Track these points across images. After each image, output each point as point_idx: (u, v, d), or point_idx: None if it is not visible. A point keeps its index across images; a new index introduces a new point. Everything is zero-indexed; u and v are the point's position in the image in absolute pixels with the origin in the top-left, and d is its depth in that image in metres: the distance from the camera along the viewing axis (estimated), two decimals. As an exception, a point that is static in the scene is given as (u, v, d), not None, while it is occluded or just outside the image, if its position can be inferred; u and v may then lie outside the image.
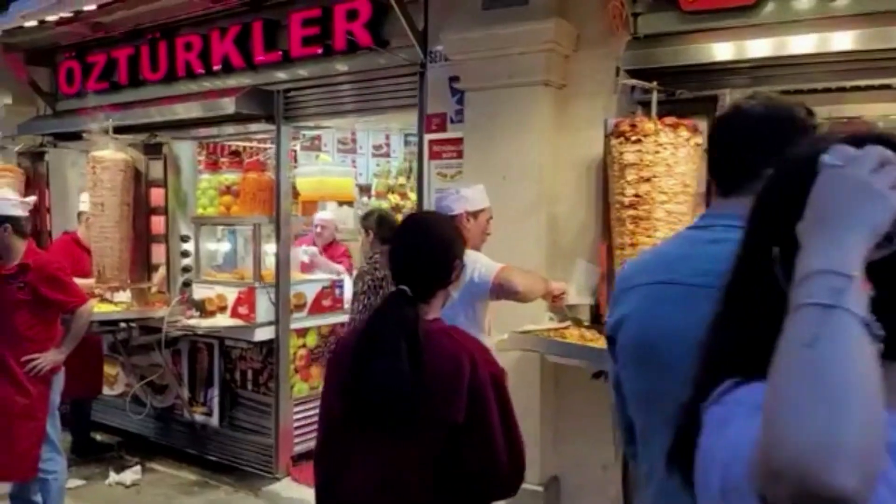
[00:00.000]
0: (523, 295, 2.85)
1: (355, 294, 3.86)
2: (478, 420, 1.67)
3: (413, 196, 7.40)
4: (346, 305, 5.31)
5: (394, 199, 7.18)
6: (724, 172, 1.43)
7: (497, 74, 3.53)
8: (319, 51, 4.36)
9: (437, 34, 3.88)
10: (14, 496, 3.88)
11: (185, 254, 5.16)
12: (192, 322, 4.71)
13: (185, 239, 5.16)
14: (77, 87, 5.82)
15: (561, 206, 3.57)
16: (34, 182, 5.98)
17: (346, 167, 7.43)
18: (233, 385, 5.15)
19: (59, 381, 3.85)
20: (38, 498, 3.86)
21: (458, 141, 3.85)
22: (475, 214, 3.07)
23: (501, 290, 2.79)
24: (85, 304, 3.84)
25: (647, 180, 2.89)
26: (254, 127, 4.87)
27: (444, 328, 1.79)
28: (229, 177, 4.98)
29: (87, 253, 5.06)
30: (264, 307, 4.74)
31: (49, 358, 3.70)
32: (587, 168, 3.51)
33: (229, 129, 4.99)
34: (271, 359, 4.89)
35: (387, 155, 8.70)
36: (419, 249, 1.80)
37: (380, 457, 1.73)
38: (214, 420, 5.16)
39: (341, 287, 5.27)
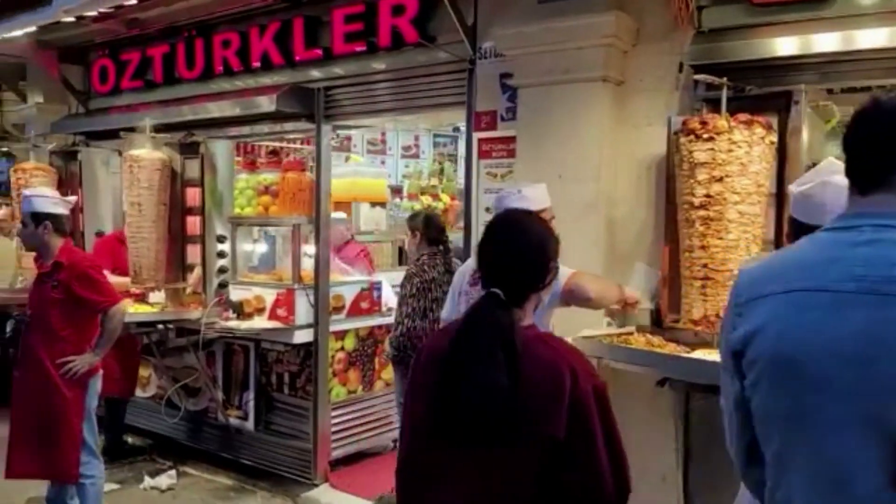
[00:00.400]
0: (595, 301, 2.73)
1: (403, 297, 3.75)
2: (580, 437, 1.55)
3: (445, 197, 7.32)
4: (384, 308, 5.22)
5: (426, 200, 7.09)
6: (863, 169, 1.31)
7: (553, 70, 3.41)
8: (363, 48, 4.26)
9: (487, 29, 3.77)
10: (51, 500, 3.81)
11: (221, 254, 5.08)
12: (232, 324, 4.62)
13: (221, 239, 5.07)
14: (110, 85, 5.76)
15: (619, 207, 3.44)
16: (66, 181, 5.93)
17: (378, 168, 7.33)
18: (268, 388, 5.06)
19: (95, 385, 3.77)
20: (75, 502, 3.78)
21: (510, 139, 3.73)
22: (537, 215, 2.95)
23: (572, 297, 2.67)
24: (117, 304, 3.74)
25: (720, 180, 2.75)
26: (292, 126, 4.77)
27: (539, 335, 1.68)
28: (268, 177, 4.88)
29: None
30: (304, 309, 4.64)
31: (85, 360, 3.63)
32: (646, 167, 3.38)
33: (265, 127, 4.90)
34: (309, 362, 4.80)
35: (416, 156, 8.61)
36: (514, 249, 1.68)
37: (470, 474, 1.62)
38: (250, 424, 5.08)
39: (379, 289, 5.17)
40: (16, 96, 7.75)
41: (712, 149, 2.76)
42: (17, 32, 4.71)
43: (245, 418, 5.10)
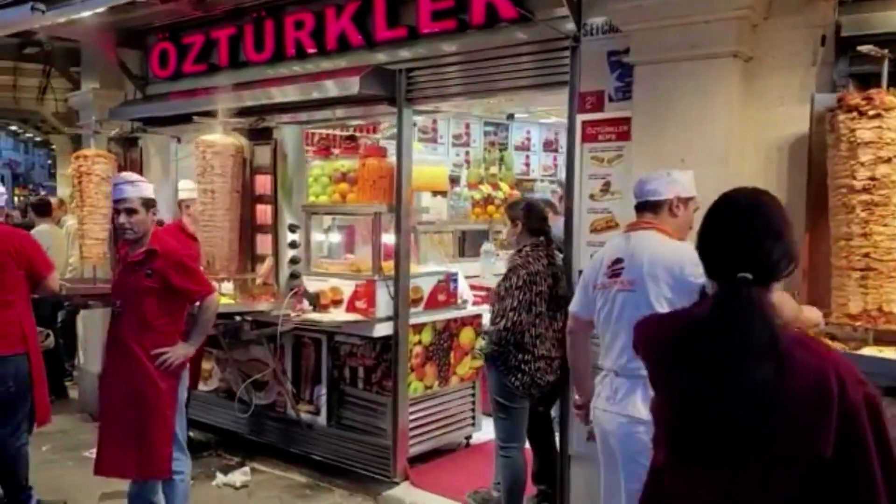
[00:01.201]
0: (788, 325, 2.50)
1: (507, 289, 3.54)
2: (850, 455, 1.34)
3: (504, 186, 7.10)
4: (460, 300, 5.03)
5: (486, 189, 6.87)
6: None
7: (677, 46, 3.18)
8: (453, 25, 4.05)
9: (595, 4, 3.55)
10: (133, 496, 3.64)
11: (292, 244, 4.89)
12: (313, 316, 4.44)
13: (292, 228, 4.89)
14: (171, 69, 5.58)
15: (746, 192, 3.21)
16: (126, 169, 5.75)
17: (439, 156, 7.11)
18: (341, 382, 4.88)
19: (185, 377, 3.62)
20: (159, 499, 3.62)
21: (619, 121, 3.51)
22: (685, 202, 2.74)
23: None
24: (213, 294, 3.60)
25: (887, 161, 2.53)
26: (366, 111, 4.57)
27: (796, 335, 1.46)
28: (345, 163, 4.68)
29: (194, 241, 4.82)
30: (384, 301, 4.46)
31: (179, 352, 3.47)
32: (777, 149, 3.15)
33: (340, 112, 4.70)
34: (385, 356, 4.61)
35: (466, 144, 8.39)
36: (768, 228, 1.46)
37: (716, 492, 1.41)
38: (322, 419, 4.90)
39: (455, 281, 4.98)
40: (67, 82, 7.63)
41: (879, 126, 2.54)
42: (87, 13, 4.53)
43: (317, 413, 4.93)
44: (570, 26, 3.63)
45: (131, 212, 3.37)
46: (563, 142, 8.88)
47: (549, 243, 3.75)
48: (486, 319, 5.28)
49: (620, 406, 2.57)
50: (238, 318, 4.60)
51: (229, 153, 4.62)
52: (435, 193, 6.43)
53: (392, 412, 4.55)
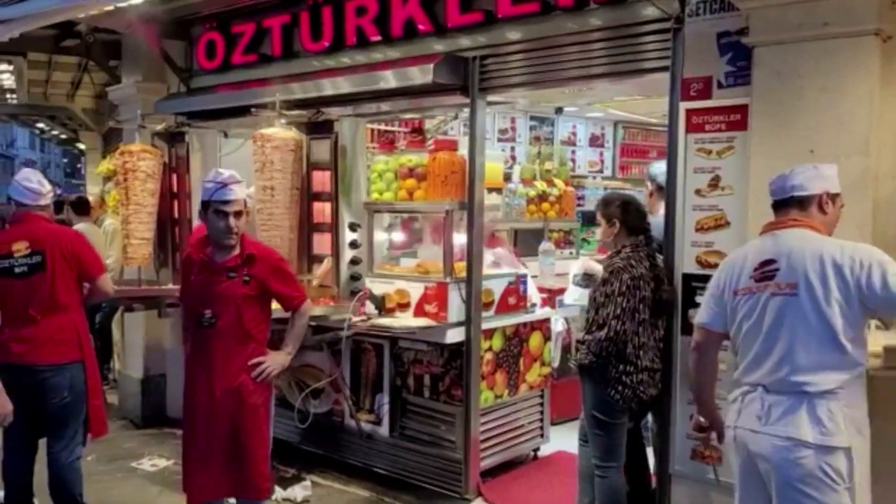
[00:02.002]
0: None
1: (609, 294, 3.22)
2: None
3: (559, 183, 6.80)
4: (529, 304, 4.73)
5: (540, 185, 6.57)
6: None
7: (805, 24, 2.87)
8: (536, 8, 3.75)
9: (701, -19, 3.24)
10: None
11: (353, 244, 4.61)
12: (384, 321, 4.15)
13: (353, 227, 4.61)
14: (219, 60, 5.32)
15: (884, 185, 2.90)
16: (172, 165, 5.50)
17: (496, 151, 6.80)
18: (404, 390, 4.59)
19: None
20: None
21: (731, 109, 3.21)
22: (834, 198, 2.44)
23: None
24: (307, 299, 3.37)
25: None
26: (434, 101, 4.28)
27: None
28: (412, 158, 4.38)
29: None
30: (456, 305, 4.17)
31: (278, 361, 3.23)
32: (920, 139, 2.84)
33: (404, 103, 4.41)
34: (454, 363, 4.32)
35: (512, 139, 8.09)
36: None
37: None
38: (384, 429, 4.62)
39: (525, 283, 4.68)
40: (102, 77, 7.40)
41: None
42: (135, 0, 4.26)
43: (378, 423, 4.64)
44: (674, 6, 3.33)
45: (240, 214, 3.10)
46: (609, 137, 8.68)
47: (649, 242, 3.45)
48: (553, 324, 5.00)
49: (777, 427, 2.27)
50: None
51: (289, 147, 4.34)
52: (490, 190, 6.15)
53: (463, 423, 4.26)
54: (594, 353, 3.25)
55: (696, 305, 2.94)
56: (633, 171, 8.47)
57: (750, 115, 3.09)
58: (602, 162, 8.43)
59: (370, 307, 4.36)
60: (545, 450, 4.92)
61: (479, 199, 4.17)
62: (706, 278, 2.85)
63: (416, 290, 4.27)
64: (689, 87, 3.34)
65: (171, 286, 5.12)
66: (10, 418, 3.27)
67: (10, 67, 7.99)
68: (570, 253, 6.85)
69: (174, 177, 5.54)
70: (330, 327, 4.40)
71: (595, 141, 8.40)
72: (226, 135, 5.64)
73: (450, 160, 4.19)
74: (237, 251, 3.13)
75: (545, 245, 5.97)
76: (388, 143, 4.64)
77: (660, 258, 3.44)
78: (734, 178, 3.21)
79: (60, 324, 3.58)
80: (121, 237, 5.51)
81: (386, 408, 4.64)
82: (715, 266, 2.89)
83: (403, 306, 4.31)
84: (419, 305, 4.25)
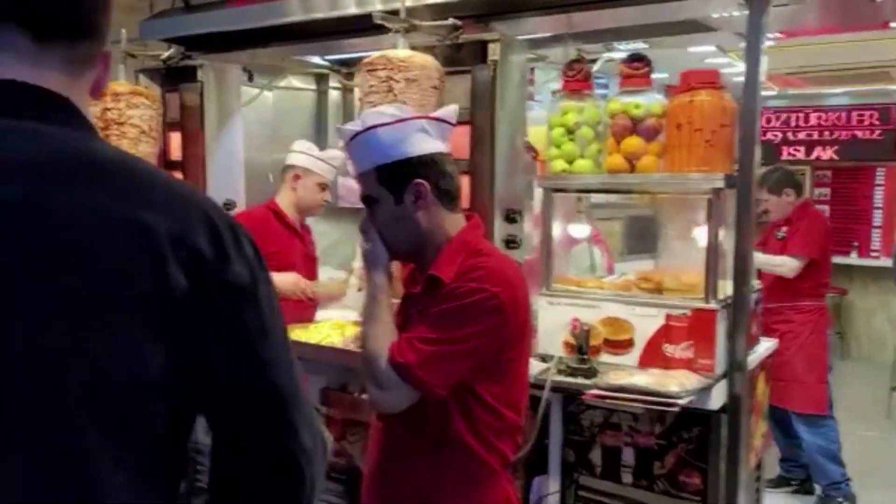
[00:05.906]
0: None
1: None
2: None
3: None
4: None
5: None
6: None
7: None
8: None
9: None
10: None
11: (511, 242, 2.88)
12: (614, 379, 2.43)
13: (511, 216, 2.87)
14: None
15: None
16: (176, 118, 3.57)
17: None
18: (583, 471, 2.92)
19: None
20: None
21: None
22: None
23: None
24: None
25: None
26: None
27: None
28: (639, 101, 2.64)
29: (293, 233, 3.18)
30: (721, 345, 2.54)
31: None
32: None
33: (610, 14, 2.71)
34: (683, 432, 2.70)
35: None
36: None
37: None
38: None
39: (759, 302, 3.09)
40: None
41: None
42: None
43: (541, 522, 2.96)
44: None
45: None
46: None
47: None
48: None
49: None
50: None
51: (430, 82, 2.54)
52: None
53: (715, 531, 2.65)
54: None
55: None
56: None
57: None
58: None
59: (577, 352, 2.65)
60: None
61: (757, 172, 2.55)
62: None
63: (646, 321, 2.60)
64: None
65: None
66: None
67: None
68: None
69: (173, 137, 3.61)
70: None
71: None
72: (251, 77, 3.77)
73: (718, 106, 2.51)
74: None
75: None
76: (574, 81, 2.85)
77: None
78: None
79: None
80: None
81: (551, 499, 2.95)
82: None
83: (620, 345, 2.64)
84: (652, 345, 2.59)
